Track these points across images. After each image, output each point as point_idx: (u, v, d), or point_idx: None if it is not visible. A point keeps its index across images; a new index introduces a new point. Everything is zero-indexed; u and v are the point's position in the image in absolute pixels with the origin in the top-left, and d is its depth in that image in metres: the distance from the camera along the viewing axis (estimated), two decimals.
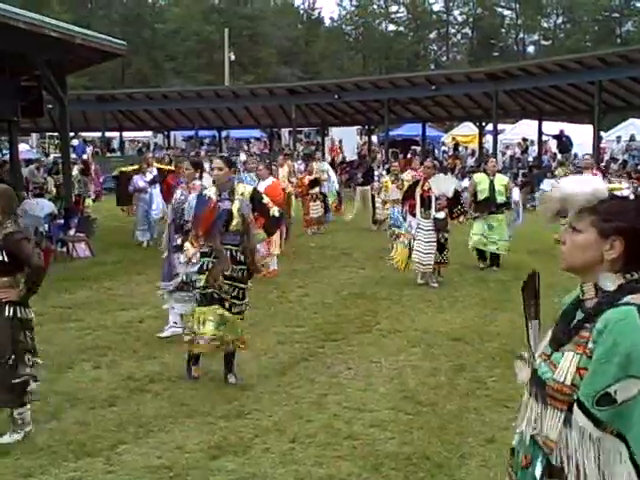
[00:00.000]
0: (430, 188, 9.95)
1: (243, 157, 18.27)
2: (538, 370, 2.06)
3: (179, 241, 7.13)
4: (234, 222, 5.90)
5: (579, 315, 2.02)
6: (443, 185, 10.06)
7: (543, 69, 23.32)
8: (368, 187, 16.23)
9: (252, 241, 6.01)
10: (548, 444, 1.97)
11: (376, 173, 16.28)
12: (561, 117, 28.28)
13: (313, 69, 60.69)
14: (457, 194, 10.21)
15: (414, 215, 10.04)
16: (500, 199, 11.18)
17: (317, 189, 15.67)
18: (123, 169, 15.17)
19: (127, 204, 14.53)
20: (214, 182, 6.20)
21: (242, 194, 6.02)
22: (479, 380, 6.10)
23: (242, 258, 5.96)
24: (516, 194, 11.57)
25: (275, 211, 6.24)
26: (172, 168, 13.75)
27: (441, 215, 9.96)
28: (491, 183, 11.13)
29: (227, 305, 5.92)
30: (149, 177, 13.63)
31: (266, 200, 6.28)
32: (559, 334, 2.04)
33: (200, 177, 7.73)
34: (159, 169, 13.88)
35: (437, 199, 9.92)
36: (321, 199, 15.73)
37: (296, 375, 6.36)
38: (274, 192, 10.23)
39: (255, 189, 6.39)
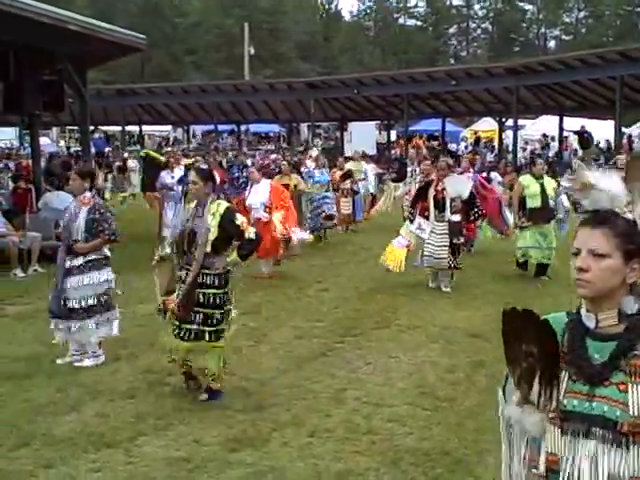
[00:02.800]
0: (444, 189, 9.45)
1: (315, 153, 18.08)
2: (590, 411, 1.91)
3: (73, 263, 6.69)
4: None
5: (596, 345, 1.93)
6: (459, 186, 9.58)
7: (564, 64, 23.18)
8: (400, 184, 15.82)
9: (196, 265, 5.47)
10: None
11: (409, 169, 15.94)
12: (582, 113, 28.06)
13: (332, 64, 60.63)
14: (472, 196, 9.67)
15: (427, 217, 9.51)
16: (552, 205, 10.18)
17: (348, 184, 15.43)
18: (150, 151, 15.10)
19: (152, 190, 14.49)
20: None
21: (213, 214, 5.47)
22: (498, 377, 6.05)
23: (209, 281, 5.47)
24: (566, 201, 10.28)
25: (251, 233, 5.62)
26: None
27: (456, 218, 9.48)
28: (542, 187, 10.07)
29: (199, 335, 5.48)
30: (177, 174, 13.47)
31: (239, 221, 5.61)
32: (589, 368, 1.92)
33: (91, 188, 6.84)
34: None
35: (452, 201, 9.43)
36: (352, 196, 15.54)
37: (315, 370, 6.37)
38: (277, 195, 10.18)
39: (228, 208, 5.66)
